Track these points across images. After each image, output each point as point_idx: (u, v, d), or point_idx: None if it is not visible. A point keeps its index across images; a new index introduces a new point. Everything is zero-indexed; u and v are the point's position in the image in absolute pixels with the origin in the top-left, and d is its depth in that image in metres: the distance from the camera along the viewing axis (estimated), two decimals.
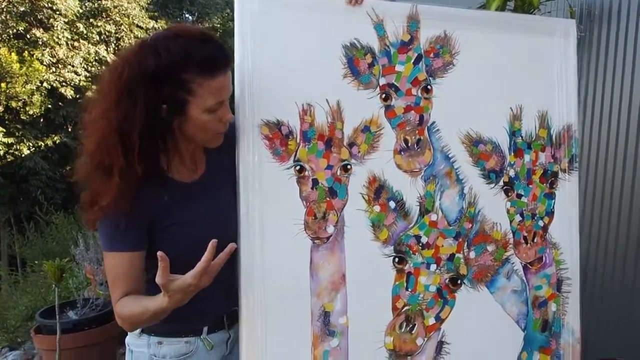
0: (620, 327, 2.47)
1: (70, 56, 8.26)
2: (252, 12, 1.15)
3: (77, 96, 8.17)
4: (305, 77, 1.18)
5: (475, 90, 1.30)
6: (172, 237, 1.08)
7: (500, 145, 1.32)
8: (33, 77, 7.69)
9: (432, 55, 1.27)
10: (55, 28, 8.08)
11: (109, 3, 8.65)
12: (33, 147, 8.20)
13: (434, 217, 1.26)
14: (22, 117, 8.03)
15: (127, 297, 1.05)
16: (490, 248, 1.31)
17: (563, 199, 1.38)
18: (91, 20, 8.66)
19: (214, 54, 1.02)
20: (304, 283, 1.16)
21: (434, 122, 1.27)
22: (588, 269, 2.58)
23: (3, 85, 7.53)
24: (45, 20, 8.17)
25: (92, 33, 8.60)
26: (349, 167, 1.20)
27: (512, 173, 1.33)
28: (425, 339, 1.25)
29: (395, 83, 1.24)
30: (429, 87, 1.27)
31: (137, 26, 8.93)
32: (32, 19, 8.18)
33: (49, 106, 8.28)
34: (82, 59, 8.41)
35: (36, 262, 4.58)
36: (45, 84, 7.98)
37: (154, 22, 9.24)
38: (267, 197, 1.14)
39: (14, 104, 7.76)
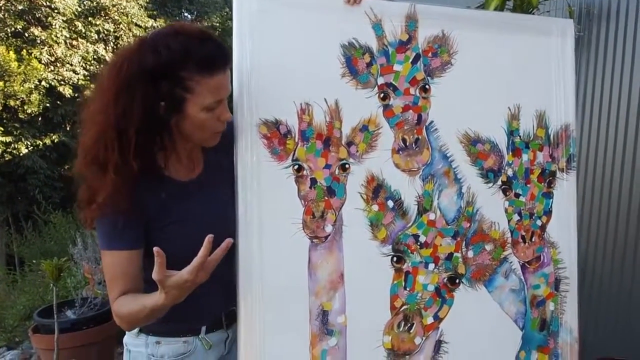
0: (618, 328, 2.48)
1: (68, 55, 8.22)
2: (251, 11, 1.15)
3: (76, 95, 8.14)
4: (304, 76, 1.18)
5: (474, 90, 1.30)
6: (169, 236, 1.08)
7: (498, 144, 1.32)
8: (31, 75, 7.66)
9: (430, 54, 1.27)
10: (53, 26, 8.05)
11: (108, 2, 8.61)
12: (31, 146, 8.17)
13: (432, 216, 1.26)
14: (20, 116, 8.00)
15: (124, 295, 1.05)
16: (488, 247, 1.31)
17: (561, 199, 1.38)
18: (90, 18, 8.62)
19: (213, 53, 1.03)
20: (302, 282, 1.16)
21: (432, 122, 1.27)
22: (586, 270, 2.58)
23: (1, 84, 7.50)
24: (44, 19, 8.14)
25: (91, 32, 8.56)
26: (347, 166, 1.20)
27: (510, 172, 1.33)
28: (424, 338, 1.25)
29: (394, 82, 1.24)
30: (427, 86, 1.27)
31: (136, 25, 8.90)
32: (30, 17, 8.15)
33: (47, 105, 8.25)
34: (80, 58, 8.37)
35: (34, 261, 4.57)
36: (43, 83, 7.94)
37: (152, 20, 9.20)
38: (265, 196, 1.14)
39: (12, 103, 7.73)
